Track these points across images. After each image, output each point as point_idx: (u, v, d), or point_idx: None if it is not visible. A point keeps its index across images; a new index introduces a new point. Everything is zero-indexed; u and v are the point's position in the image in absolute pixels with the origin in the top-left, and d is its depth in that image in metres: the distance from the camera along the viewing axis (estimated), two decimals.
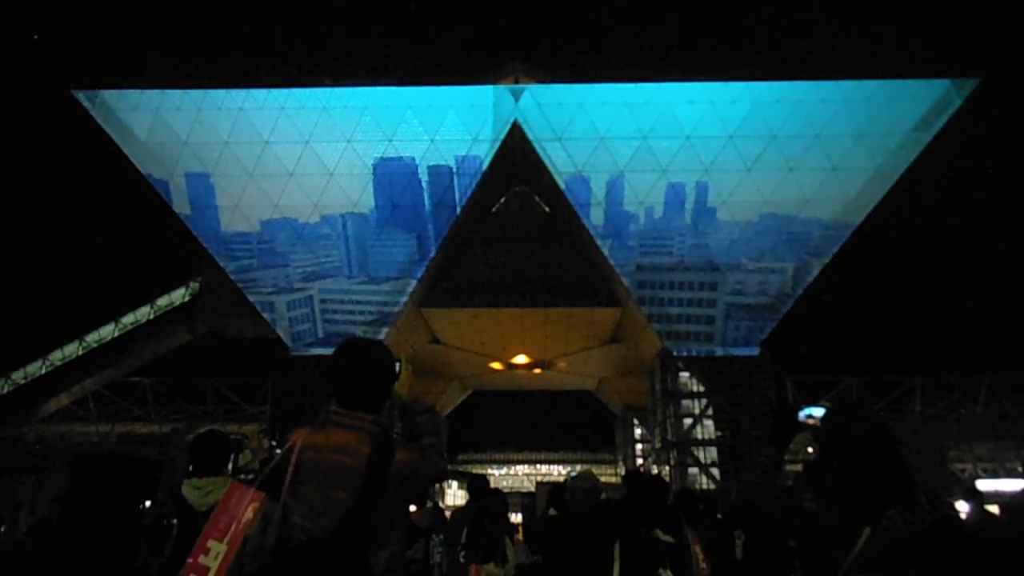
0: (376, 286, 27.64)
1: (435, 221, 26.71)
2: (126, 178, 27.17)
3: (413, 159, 25.97)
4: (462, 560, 5.38)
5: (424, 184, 26.29)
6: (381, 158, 25.86)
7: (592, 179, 25.70)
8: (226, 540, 2.15)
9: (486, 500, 6.10)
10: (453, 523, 6.08)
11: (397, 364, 2.52)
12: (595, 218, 26.20)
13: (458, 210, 26.50)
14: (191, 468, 3.89)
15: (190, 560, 2.13)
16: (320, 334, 28.13)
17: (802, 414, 2.55)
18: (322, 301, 28.05)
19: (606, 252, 26.45)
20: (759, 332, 27.19)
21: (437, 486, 33.02)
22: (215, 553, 2.14)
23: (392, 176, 26.18)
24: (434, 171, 26.12)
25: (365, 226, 27.08)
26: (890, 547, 2.07)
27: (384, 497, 2.21)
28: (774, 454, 2.53)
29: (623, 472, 39.51)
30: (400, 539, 2.37)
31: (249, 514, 2.19)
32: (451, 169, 25.98)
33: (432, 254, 27.00)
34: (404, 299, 27.41)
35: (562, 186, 25.74)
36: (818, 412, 2.53)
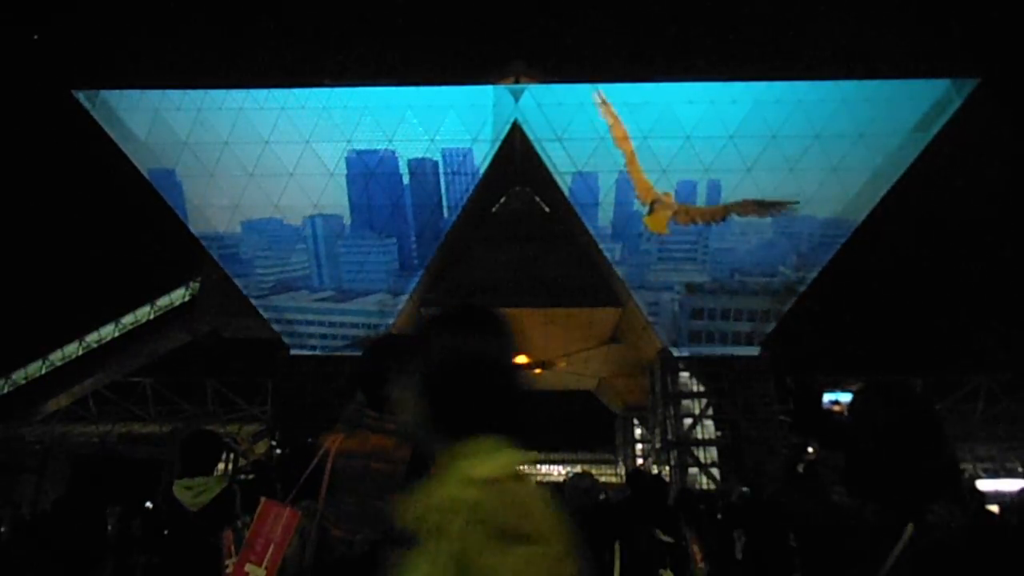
0: (373, 291, 27.60)
1: (435, 221, 26.68)
2: (126, 178, 27.16)
3: (412, 159, 25.97)
4: None
5: (424, 185, 26.26)
6: (380, 157, 25.85)
7: (593, 179, 25.67)
8: (264, 564, 2.02)
9: None
10: None
11: None
12: (596, 219, 26.15)
13: (458, 210, 26.48)
14: (181, 468, 3.86)
15: None
16: (320, 333, 28.11)
17: (826, 400, 2.33)
18: (318, 302, 28.00)
19: (615, 256, 26.36)
20: (759, 332, 27.19)
21: None
22: None
23: (390, 176, 26.15)
24: (434, 171, 26.10)
25: (364, 227, 27.04)
26: (936, 544, 1.86)
27: None
28: (798, 445, 2.32)
29: (623, 472, 39.56)
30: None
31: (287, 534, 2.06)
32: (451, 169, 25.96)
33: (432, 254, 26.98)
34: (403, 299, 27.39)
35: (565, 186, 25.71)
36: (844, 397, 2.29)
